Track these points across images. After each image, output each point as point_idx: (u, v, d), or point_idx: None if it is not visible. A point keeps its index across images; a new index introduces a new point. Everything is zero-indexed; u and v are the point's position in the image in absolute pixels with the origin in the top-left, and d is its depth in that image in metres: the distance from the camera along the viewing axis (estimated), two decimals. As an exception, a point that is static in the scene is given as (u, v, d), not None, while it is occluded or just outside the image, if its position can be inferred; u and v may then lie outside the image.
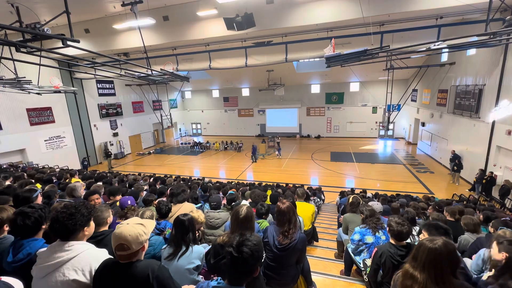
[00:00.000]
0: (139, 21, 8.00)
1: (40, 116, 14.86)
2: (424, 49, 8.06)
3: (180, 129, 29.61)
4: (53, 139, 15.79)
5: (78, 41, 4.73)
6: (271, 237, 2.45)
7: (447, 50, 10.93)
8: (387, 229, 2.30)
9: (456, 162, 12.63)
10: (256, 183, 12.18)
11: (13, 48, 5.32)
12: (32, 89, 9.89)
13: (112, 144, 20.02)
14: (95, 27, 11.76)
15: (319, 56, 11.70)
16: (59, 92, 11.30)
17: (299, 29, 10.32)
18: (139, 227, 1.42)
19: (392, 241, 2.22)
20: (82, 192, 3.69)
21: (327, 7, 9.23)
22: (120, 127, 20.86)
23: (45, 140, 15.24)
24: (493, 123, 10.84)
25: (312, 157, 18.85)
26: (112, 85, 20.16)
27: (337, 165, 16.52)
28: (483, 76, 11.62)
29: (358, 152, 19.66)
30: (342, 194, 9.09)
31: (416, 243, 2.30)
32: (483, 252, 2.33)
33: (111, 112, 20.07)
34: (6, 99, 12.66)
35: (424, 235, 2.09)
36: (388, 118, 19.43)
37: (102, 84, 19.24)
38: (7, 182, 4.87)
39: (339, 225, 4.73)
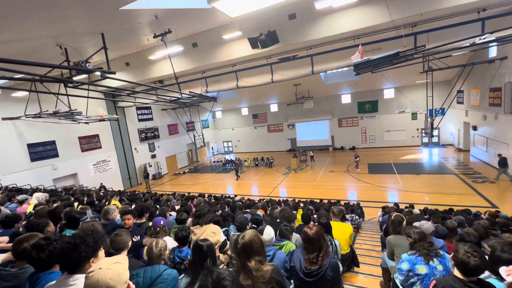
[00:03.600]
0: (169, 49, 8.57)
1: (89, 143, 16.50)
2: (467, 44, 7.24)
3: (212, 147, 30.54)
4: (100, 163, 17.30)
5: (114, 73, 5.15)
6: (297, 261, 2.19)
7: (495, 43, 9.75)
8: (451, 257, 1.88)
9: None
10: (289, 199, 11.75)
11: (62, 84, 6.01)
12: (81, 119, 11.07)
13: (150, 166, 21.28)
14: (133, 60, 12.94)
15: (346, 65, 11.30)
16: (104, 120, 12.45)
17: (324, 40, 10.12)
18: (115, 266, 1.25)
19: (457, 274, 1.79)
20: (115, 215, 3.80)
21: (352, 15, 8.94)
22: (157, 149, 22.19)
23: (93, 165, 16.76)
24: None
25: (347, 169, 17.80)
26: (150, 110, 21.77)
27: (376, 178, 15.30)
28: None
29: (399, 162, 18.07)
30: (385, 210, 8.24)
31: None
32: None
33: (149, 136, 21.53)
34: (61, 129, 14.31)
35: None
36: (432, 123, 17.78)
37: (141, 111, 20.89)
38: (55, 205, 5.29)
39: (384, 245, 4.18)
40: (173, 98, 9.40)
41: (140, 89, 13.17)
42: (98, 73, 5.63)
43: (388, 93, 22.66)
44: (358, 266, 4.09)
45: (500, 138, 13.69)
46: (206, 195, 11.62)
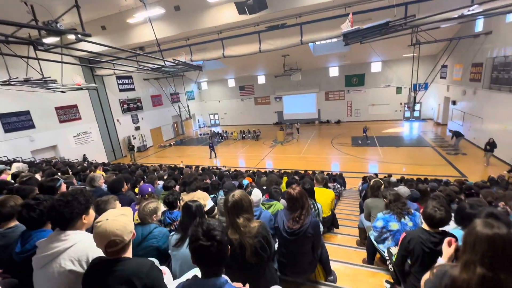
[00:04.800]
0: (149, 11, 7.94)
1: (67, 113, 15.70)
2: (456, 16, 7.22)
3: (198, 120, 30.04)
4: (81, 135, 16.69)
5: (89, 35, 4.76)
6: (281, 222, 2.34)
7: (482, 16, 9.78)
8: (421, 213, 2.08)
9: (489, 141, 11.55)
10: (275, 170, 12.07)
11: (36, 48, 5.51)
12: (57, 88, 10.38)
13: (135, 138, 20.80)
14: (110, 24, 11.93)
15: (336, 36, 11.01)
16: (81, 89, 11.75)
17: (314, 8, 9.72)
18: (121, 218, 1.31)
19: (425, 226, 1.99)
20: (101, 182, 3.78)
21: (343, -20, 8.54)
22: (141, 121, 21.54)
23: (74, 136, 16.14)
24: (538, 97, 9.71)
25: (332, 142, 18.29)
26: (131, 80, 20.71)
27: (359, 150, 15.90)
28: (526, 44, 10.37)
29: (381, 135, 18.75)
30: (365, 180, 8.71)
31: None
32: None
33: (132, 107, 20.73)
34: (35, 99, 13.42)
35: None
36: (414, 98, 18.20)
37: (122, 80, 19.82)
38: (37, 176, 5.16)
39: (362, 209, 4.50)
40: (156, 66, 8.92)
41: (120, 56, 12.36)
42: (72, 36, 5.16)
43: (375, 67, 22.68)
44: (337, 228, 4.41)
45: (476, 113, 14.37)
46: (193, 167, 11.70)
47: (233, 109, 29.08)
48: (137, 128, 21.24)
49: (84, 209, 1.52)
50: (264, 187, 4.15)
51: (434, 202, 1.99)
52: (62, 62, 8.24)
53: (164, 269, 1.88)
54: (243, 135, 22.47)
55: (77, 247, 1.40)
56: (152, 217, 2.22)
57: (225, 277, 1.25)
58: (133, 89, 20.94)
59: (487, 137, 12.34)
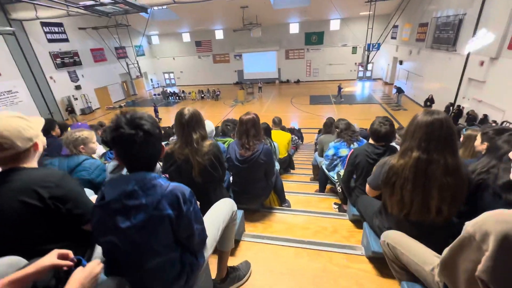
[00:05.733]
0: None
1: (-21, 67, 12.80)
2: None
3: (151, 79, 27.44)
4: (4, 94, 13.98)
5: None
6: (232, 151, 2.27)
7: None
8: (368, 130, 2.16)
9: (429, 97, 12.99)
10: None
11: None
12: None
13: (76, 99, 18.27)
14: None
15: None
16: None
17: None
18: (16, 120, 1.02)
19: (371, 141, 2.09)
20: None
21: None
22: (81, 78, 18.79)
23: (-6, 96, 13.47)
24: (468, 55, 10.86)
25: (291, 101, 18.59)
26: (62, 28, 17.37)
27: (316, 108, 16.52)
28: (465, 5, 11.17)
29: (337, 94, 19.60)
30: (320, 131, 9.15)
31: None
32: None
33: (67, 62, 17.75)
34: None
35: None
36: (368, 57, 19.01)
37: (50, 28, 16.49)
38: None
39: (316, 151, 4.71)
40: (89, 3, 7.43)
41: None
42: None
43: (334, 25, 22.64)
44: (293, 169, 4.60)
45: (418, 72, 15.72)
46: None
47: (190, 68, 27.04)
48: (78, 88, 18.55)
49: None
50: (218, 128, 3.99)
51: (380, 118, 2.07)
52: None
53: None
54: (202, 95, 21.41)
55: None
56: (78, 147, 1.91)
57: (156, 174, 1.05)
58: (66, 40, 17.70)
59: (426, 94, 13.77)
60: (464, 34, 11.27)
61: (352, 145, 2.79)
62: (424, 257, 1.17)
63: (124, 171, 1.73)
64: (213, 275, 1.58)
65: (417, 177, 1.30)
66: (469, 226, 0.82)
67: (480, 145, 1.97)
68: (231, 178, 2.57)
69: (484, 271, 0.74)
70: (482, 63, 9.95)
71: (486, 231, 0.76)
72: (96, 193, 1.82)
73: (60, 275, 0.84)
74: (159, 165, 1.88)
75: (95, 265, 0.85)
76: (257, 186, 2.36)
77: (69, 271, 0.82)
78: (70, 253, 0.85)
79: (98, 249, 1.21)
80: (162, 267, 1.00)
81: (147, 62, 26.27)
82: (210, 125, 2.53)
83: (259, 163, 2.23)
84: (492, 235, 0.74)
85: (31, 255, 0.91)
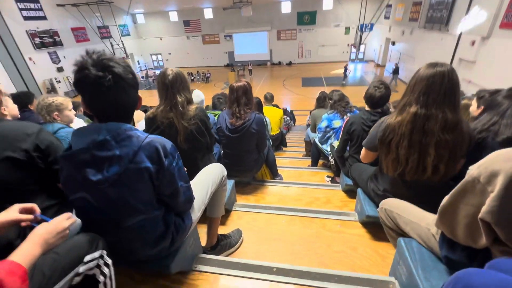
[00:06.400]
0: None
1: (-52, 45, 11.88)
2: None
3: (138, 61, 26.36)
4: (-21, 76, 13.16)
5: None
6: (223, 121, 2.16)
7: None
8: (363, 96, 2.07)
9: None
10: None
11: None
12: None
13: (59, 81, 17.40)
14: None
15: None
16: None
17: None
18: None
19: (366, 108, 2.02)
20: None
21: None
22: (63, 60, 17.81)
23: (-33, 77, 12.65)
24: (460, 35, 10.79)
25: (283, 83, 18.33)
26: (39, 5, 16.18)
27: (308, 90, 16.35)
28: (460, -19, 10.97)
29: (329, 76, 19.43)
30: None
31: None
32: None
33: (47, 42, 16.71)
34: None
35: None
36: (360, 38, 18.73)
37: (24, 4, 15.33)
38: None
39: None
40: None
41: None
42: None
43: (327, 4, 21.99)
44: (285, 146, 4.55)
45: (410, 53, 15.63)
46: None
47: (178, 49, 26.03)
48: (60, 70, 17.62)
49: None
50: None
51: (375, 82, 1.98)
52: None
53: None
54: (192, 78, 20.79)
55: None
56: (52, 113, 1.75)
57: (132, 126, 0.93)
58: (43, 18, 16.56)
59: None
60: (457, 13, 11.14)
61: (345, 116, 2.72)
62: (420, 215, 1.13)
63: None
64: (203, 243, 1.52)
65: (413, 133, 1.24)
66: (473, 169, 0.76)
67: (476, 110, 1.93)
68: (221, 152, 2.48)
69: (489, 212, 0.69)
70: (473, 43, 9.92)
71: (494, 170, 0.70)
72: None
73: (26, 232, 0.74)
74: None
75: (62, 219, 0.75)
76: (249, 158, 2.28)
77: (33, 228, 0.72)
78: (35, 206, 0.75)
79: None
80: (142, 226, 0.92)
81: (133, 43, 25.08)
82: (199, 95, 2.41)
83: (251, 133, 2.13)
84: (501, 174, 0.68)
85: None
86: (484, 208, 0.71)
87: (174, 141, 1.59)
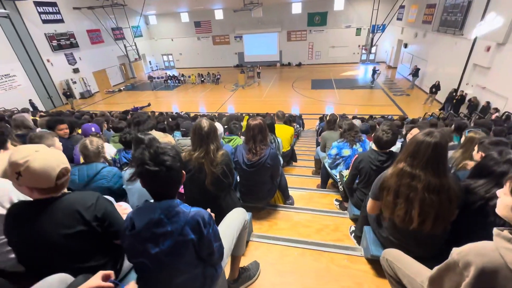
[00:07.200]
0: None
1: (-25, 50, 12.54)
2: None
3: (150, 62, 26.88)
4: (2, 79, 13.82)
5: None
6: (240, 155, 2.36)
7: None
8: (372, 136, 2.24)
9: (435, 84, 12.80)
10: (238, 113, 11.96)
11: None
12: None
13: (75, 82, 18.04)
14: None
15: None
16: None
17: None
18: (51, 149, 1.12)
19: (374, 148, 2.18)
20: (33, 125, 3.26)
21: None
22: (79, 61, 18.43)
23: (-8, 80, 13.32)
24: (475, 39, 10.60)
25: (293, 86, 18.37)
26: (57, 8, 16.76)
27: (318, 93, 16.37)
28: (476, -15, 10.73)
29: (339, 78, 19.34)
30: (321, 119, 9.19)
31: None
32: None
33: (64, 44, 17.32)
34: None
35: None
36: (372, 40, 18.52)
37: (44, 8, 15.92)
38: None
39: (318, 144, 4.81)
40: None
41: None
42: None
43: (338, 4, 21.78)
44: (296, 161, 4.72)
45: (423, 56, 15.39)
46: (149, 112, 10.91)
47: (189, 49, 26.39)
48: (76, 71, 18.25)
49: (0, 143, 1.26)
50: (225, 126, 4.07)
51: (384, 126, 2.14)
52: None
53: (123, 204, 1.80)
54: (202, 79, 21.09)
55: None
56: (99, 155, 2.00)
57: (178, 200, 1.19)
58: (61, 21, 17.14)
59: (429, 79, 13.62)
60: (472, 18, 10.92)
61: (354, 146, 2.88)
62: (416, 271, 1.30)
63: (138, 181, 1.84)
64: (226, 275, 1.74)
65: (401, 186, 1.44)
66: (455, 253, 0.94)
67: (476, 154, 2.05)
68: (238, 178, 2.68)
69: None
70: (488, 49, 9.74)
71: (468, 261, 0.87)
72: (116, 199, 1.93)
73: None
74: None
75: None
76: (263, 188, 2.48)
77: None
78: (111, 273, 0.98)
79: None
80: (187, 282, 1.14)
81: (145, 44, 25.61)
82: (219, 128, 2.60)
83: (266, 167, 2.32)
84: (472, 266, 0.85)
85: (76, 272, 1.07)
86: None
87: (202, 184, 1.81)
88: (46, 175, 1.03)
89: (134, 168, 1.82)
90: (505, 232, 0.85)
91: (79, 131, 3.24)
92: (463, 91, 11.11)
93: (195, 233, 1.08)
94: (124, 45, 20.68)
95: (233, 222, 1.58)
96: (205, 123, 1.81)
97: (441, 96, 12.79)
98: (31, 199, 1.10)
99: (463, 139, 2.61)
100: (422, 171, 1.38)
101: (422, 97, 13.80)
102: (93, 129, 2.95)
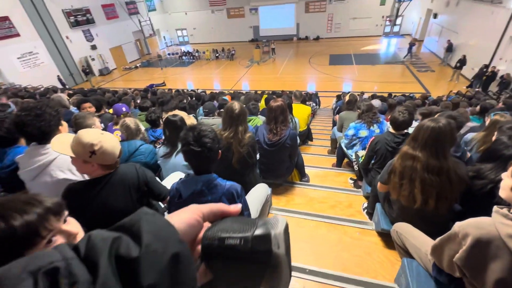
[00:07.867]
0: None
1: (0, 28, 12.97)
2: None
3: (164, 37, 26.62)
4: (26, 56, 14.36)
5: None
6: (261, 135, 2.50)
7: None
8: (389, 117, 2.31)
9: (461, 58, 11.99)
10: (252, 91, 11.93)
11: None
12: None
13: (93, 59, 18.40)
14: None
15: None
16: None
17: None
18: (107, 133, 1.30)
19: (391, 130, 2.25)
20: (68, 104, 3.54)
21: None
22: (96, 38, 18.61)
23: (18, 58, 13.87)
24: (515, 8, 9.63)
25: (309, 61, 17.77)
26: (71, -19, 16.65)
27: (336, 69, 15.79)
28: None
29: (359, 53, 18.40)
30: (339, 98, 9.02)
31: None
32: (469, 135, 2.44)
33: (81, 20, 17.45)
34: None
35: None
36: (397, 9, 17.21)
37: (59, -18, 15.87)
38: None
39: (334, 124, 4.85)
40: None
41: None
42: None
43: (362, -30, 20.07)
44: (311, 140, 4.81)
45: (453, 27, 14.21)
46: (167, 89, 11.13)
47: (203, 24, 25.74)
48: (94, 47, 18.52)
49: (58, 120, 1.47)
50: (244, 105, 4.18)
51: (400, 107, 2.19)
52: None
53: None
54: (217, 55, 20.80)
55: (62, 158, 1.40)
56: (138, 133, 2.22)
57: (215, 175, 1.37)
58: (76, -5, 17.12)
59: (458, 54, 12.69)
60: (514, -17, 9.83)
61: (372, 127, 2.93)
62: (422, 241, 1.45)
63: (172, 158, 2.05)
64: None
65: (405, 168, 1.57)
66: (456, 226, 1.07)
67: (494, 138, 2.07)
68: (258, 156, 2.86)
69: (459, 259, 1.02)
70: (529, 19, 8.88)
71: (467, 232, 1.01)
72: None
73: None
74: None
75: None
76: (282, 166, 2.65)
77: None
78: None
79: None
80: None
81: (159, 18, 25.18)
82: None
83: (285, 147, 2.47)
84: (470, 236, 0.99)
85: None
86: (457, 255, 1.04)
87: (229, 162, 2.00)
88: (114, 154, 1.25)
89: (168, 148, 2.03)
90: (503, 210, 0.96)
91: (110, 111, 3.47)
92: (495, 67, 10.36)
93: (230, 202, 1.27)
94: (139, 20, 20.51)
95: (257, 197, 1.78)
96: (237, 105, 1.96)
97: (468, 72, 11.99)
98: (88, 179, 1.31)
99: (488, 121, 2.57)
100: (421, 152, 1.50)
101: (449, 74, 12.99)
102: (123, 109, 3.16)
